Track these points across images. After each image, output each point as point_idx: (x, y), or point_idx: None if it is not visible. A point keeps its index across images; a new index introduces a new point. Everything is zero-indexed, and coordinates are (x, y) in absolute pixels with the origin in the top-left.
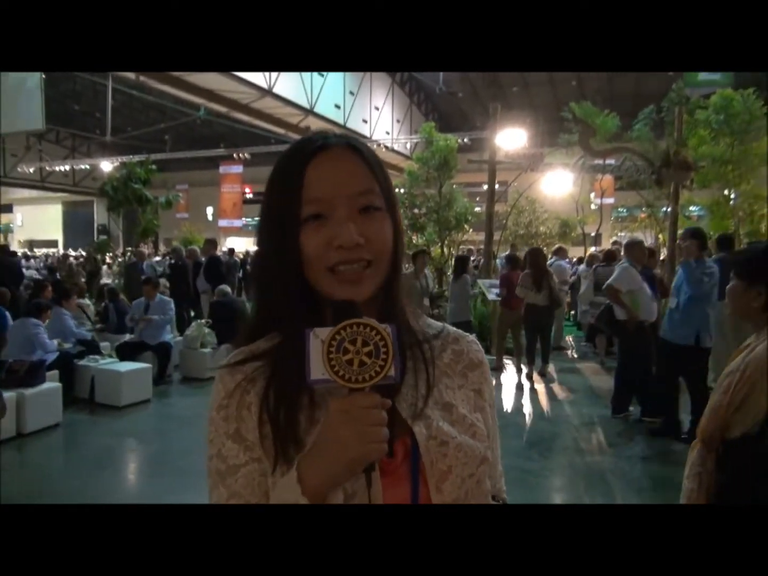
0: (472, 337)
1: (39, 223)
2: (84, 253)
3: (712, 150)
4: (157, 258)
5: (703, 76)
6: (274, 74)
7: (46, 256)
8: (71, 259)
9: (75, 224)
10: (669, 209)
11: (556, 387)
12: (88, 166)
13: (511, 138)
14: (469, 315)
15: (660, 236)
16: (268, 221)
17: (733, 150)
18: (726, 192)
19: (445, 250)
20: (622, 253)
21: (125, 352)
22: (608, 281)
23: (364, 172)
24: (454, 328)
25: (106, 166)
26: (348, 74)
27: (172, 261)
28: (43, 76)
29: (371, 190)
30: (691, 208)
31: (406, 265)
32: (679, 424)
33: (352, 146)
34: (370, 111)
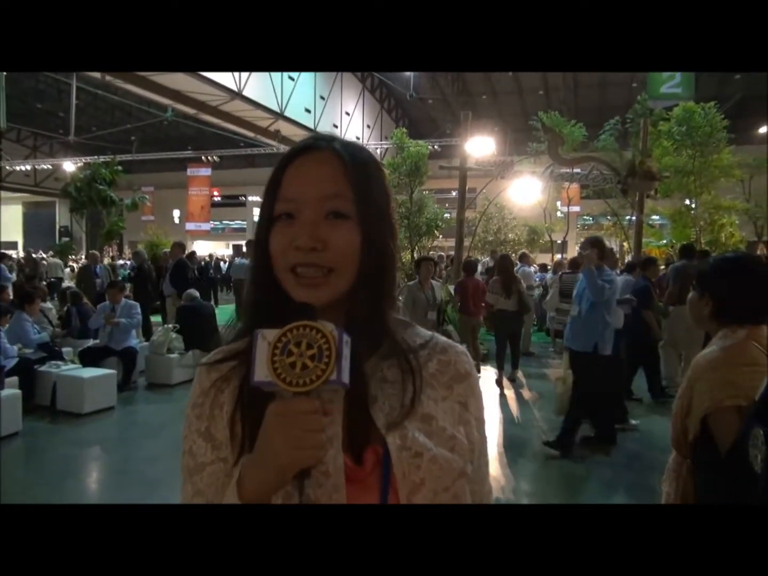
0: (462, 348)
1: None
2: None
3: (675, 161)
4: (121, 261)
5: (665, 88)
6: (243, 76)
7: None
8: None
9: (36, 226)
10: (634, 217)
11: (525, 392)
12: (50, 166)
13: (480, 145)
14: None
15: (625, 244)
16: (257, 220)
17: (695, 161)
18: (687, 202)
19: (416, 255)
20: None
21: (88, 358)
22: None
23: (337, 176)
24: (445, 338)
25: (69, 166)
26: (318, 78)
27: (135, 264)
28: (5, 73)
29: (340, 195)
30: (654, 217)
31: (404, 277)
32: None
33: (336, 150)
34: (341, 116)
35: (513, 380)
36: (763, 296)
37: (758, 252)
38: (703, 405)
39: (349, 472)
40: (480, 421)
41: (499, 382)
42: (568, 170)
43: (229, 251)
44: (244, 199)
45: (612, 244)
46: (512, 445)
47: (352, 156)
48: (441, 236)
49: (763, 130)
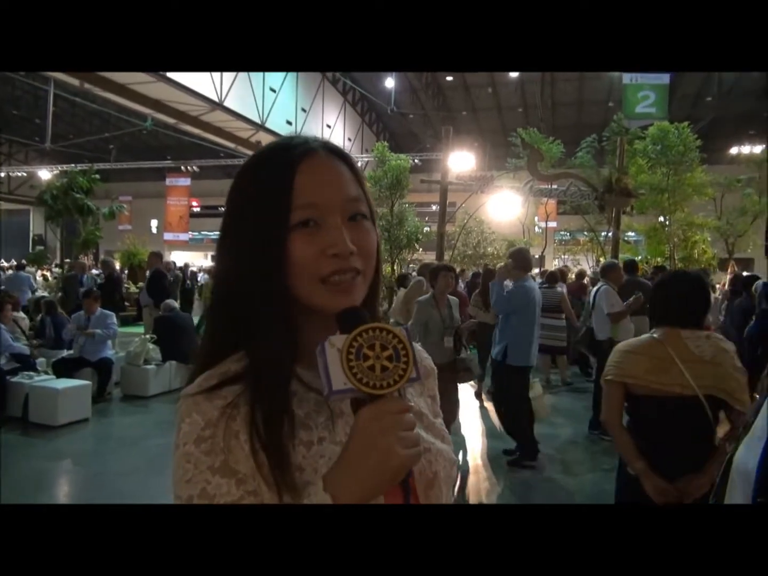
0: (419, 345)
1: None
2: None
3: (650, 178)
4: (96, 271)
5: (640, 108)
6: (225, 87)
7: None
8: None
9: (9, 234)
10: (610, 233)
11: None
12: (25, 174)
13: (461, 160)
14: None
15: (601, 259)
16: (244, 230)
17: (669, 179)
18: (662, 219)
19: (396, 268)
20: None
21: (62, 369)
22: (608, 310)
23: (352, 178)
24: None
25: (45, 174)
26: (300, 91)
27: (104, 273)
28: None
29: (358, 197)
30: (630, 233)
31: (384, 289)
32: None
33: (333, 151)
34: (322, 128)
35: (492, 393)
36: (678, 306)
37: (729, 269)
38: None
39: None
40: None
41: (478, 394)
42: (546, 186)
43: (208, 262)
44: (223, 209)
45: (589, 259)
46: (494, 456)
47: (351, 157)
48: (421, 249)
49: (733, 150)
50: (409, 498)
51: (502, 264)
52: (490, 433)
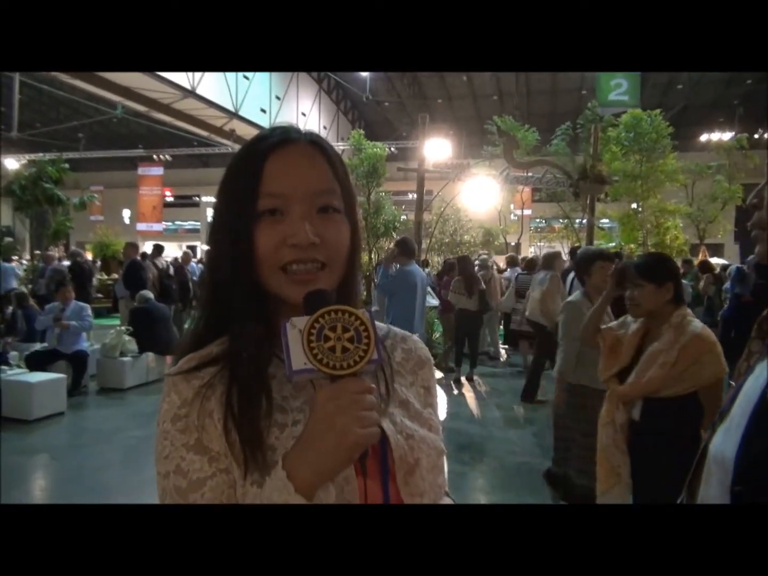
0: (416, 336)
1: None
2: None
3: (623, 165)
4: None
5: (613, 96)
6: (197, 74)
7: None
8: None
9: None
10: (585, 220)
11: (483, 390)
12: None
13: (437, 148)
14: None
15: (577, 245)
16: (221, 217)
17: (642, 166)
18: (635, 205)
19: (373, 257)
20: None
21: (36, 362)
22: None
23: (325, 170)
24: (399, 329)
25: (12, 163)
26: (274, 78)
27: (72, 264)
28: None
29: (331, 190)
30: (604, 220)
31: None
32: None
33: (315, 143)
34: (297, 116)
35: (470, 379)
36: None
37: (700, 254)
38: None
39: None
40: (437, 406)
41: (457, 380)
42: (522, 173)
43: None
44: (198, 199)
45: (564, 245)
46: (471, 444)
47: (332, 149)
48: (398, 237)
49: (704, 138)
50: (367, 476)
51: (389, 250)
52: (467, 419)
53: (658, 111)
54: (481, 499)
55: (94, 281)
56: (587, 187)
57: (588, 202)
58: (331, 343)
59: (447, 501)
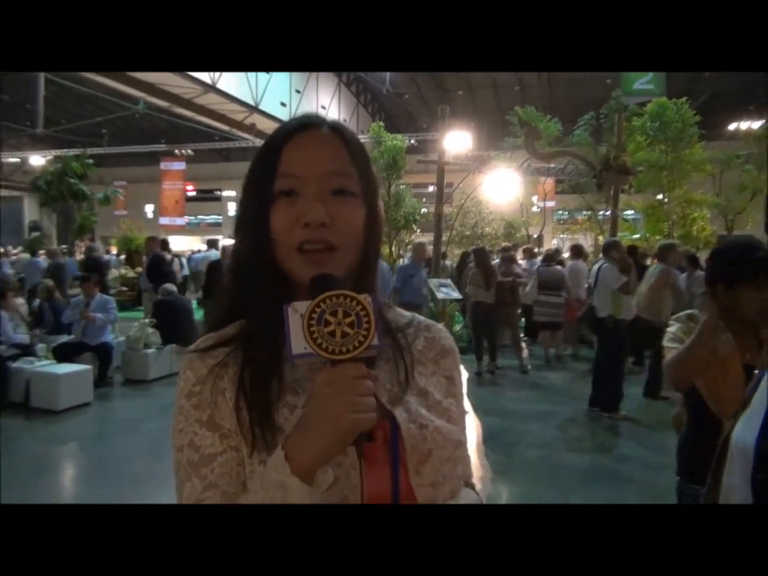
0: (441, 325)
1: None
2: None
3: (648, 156)
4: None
5: (638, 85)
6: None
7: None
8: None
9: (3, 220)
10: (608, 212)
11: (504, 383)
12: (18, 160)
13: (458, 140)
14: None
15: (600, 238)
16: (244, 201)
17: (668, 156)
18: (660, 196)
19: (393, 249)
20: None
21: (63, 354)
22: (615, 285)
23: (341, 154)
24: (424, 318)
25: (37, 160)
26: (294, 72)
27: (88, 258)
28: None
29: (346, 173)
30: (628, 212)
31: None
32: None
33: (333, 128)
34: (317, 109)
35: (492, 372)
36: None
37: None
38: None
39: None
40: (462, 396)
41: (478, 374)
42: (544, 165)
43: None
44: (219, 193)
45: (587, 238)
46: (492, 436)
47: (352, 136)
48: (419, 230)
49: (732, 126)
50: (363, 459)
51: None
52: (488, 411)
53: (684, 99)
54: (503, 491)
55: (117, 274)
56: (611, 178)
57: (612, 193)
58: (331, 328)
59: (468, 493)
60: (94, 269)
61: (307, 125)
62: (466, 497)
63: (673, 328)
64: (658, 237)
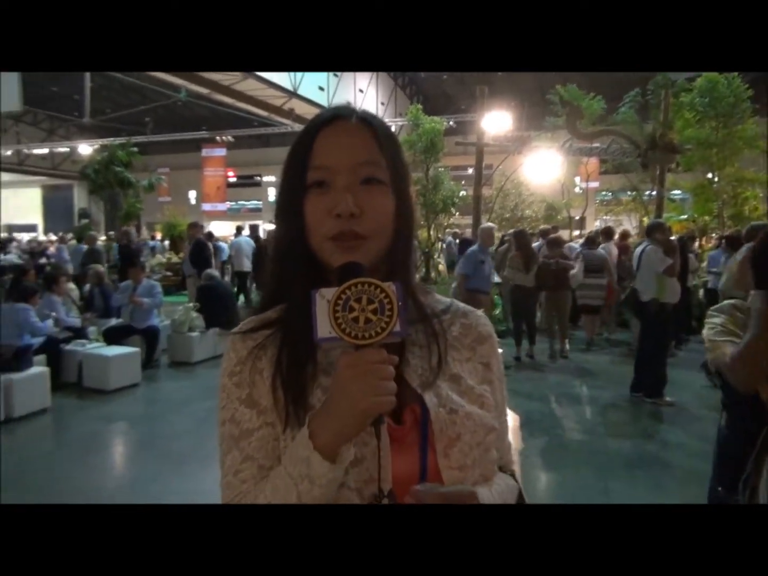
0: (481, 312)
1: (17, 208)
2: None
3: (697, 133)
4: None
5: None
6: None
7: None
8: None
9: (54, 208)
10: (654, 192)
11: (543, 367)
12: (67, 149)
13: (497, 121)
14: None
15: (645, 219)
16: (281, 190)
17: (718, 133)
18: (710, 175)
19: (432, 233)
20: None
21: (112, 337)
22: (659, 267)
23: (370, 144)
24: (463, 304)
25: (85, 149)
26: None
27: (123, 243)
28: None
29: (374, 162)
30: (675, 192)
31: (421, 255)
32: None
33: (363, 118)
34: (355, 93)
35: (531, 357)
36: None
37: None
38: None
39: (390, 431)
40: (501, 381)
41: (517, 358)
42: (586, 145)
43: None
44: (259, 179)
45: (632, 219)
46: (530, 420)
47: (381, 125)
48: (457, 213)
49: None
50: (381, 440)
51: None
52: (526, 396)
53: (735, 74)
54: (540, 476)
55: (162, 259)
56: (657, 156)
57: (657, 173)
58: (355, 314)
59: (504, 478)
60: (126, 256)
61: (337, 117)
62: (501, 482)
63: (717, 320)
64: (707, 217)
